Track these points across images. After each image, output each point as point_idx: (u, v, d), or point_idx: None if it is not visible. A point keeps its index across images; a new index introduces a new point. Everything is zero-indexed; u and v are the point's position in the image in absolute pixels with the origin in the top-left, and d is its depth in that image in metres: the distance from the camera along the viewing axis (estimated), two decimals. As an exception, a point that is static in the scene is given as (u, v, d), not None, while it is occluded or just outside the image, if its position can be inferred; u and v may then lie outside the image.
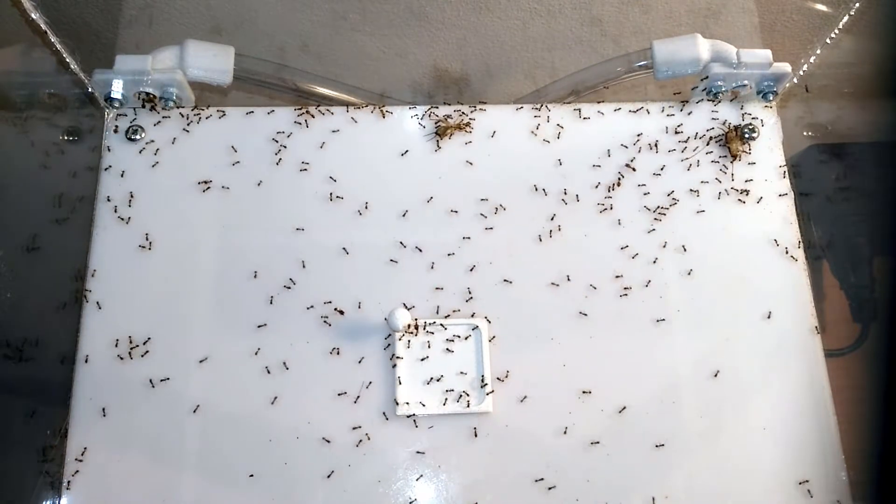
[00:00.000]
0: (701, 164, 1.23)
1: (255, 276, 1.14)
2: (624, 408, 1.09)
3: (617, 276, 1.16)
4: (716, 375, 1.11)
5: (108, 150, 1.20)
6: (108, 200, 1.17)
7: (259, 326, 1.11)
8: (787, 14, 1.49)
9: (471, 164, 1.22)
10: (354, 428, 1.07)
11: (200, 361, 1.09)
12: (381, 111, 1.25)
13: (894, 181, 1.18)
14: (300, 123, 1.23)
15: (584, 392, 1.09)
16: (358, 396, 1.08)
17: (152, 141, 1.21)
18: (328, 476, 1.04)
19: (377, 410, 1.08)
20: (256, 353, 1.10)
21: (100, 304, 1.11)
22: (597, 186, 1.21)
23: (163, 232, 1.16)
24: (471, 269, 1.16)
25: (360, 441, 1.06)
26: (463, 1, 1.42)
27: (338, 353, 1.10)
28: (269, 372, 1.09)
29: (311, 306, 1.12)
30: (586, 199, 1.20)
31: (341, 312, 1.12)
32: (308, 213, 1.18)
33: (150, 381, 1.07)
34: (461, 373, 1.10)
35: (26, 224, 1.36)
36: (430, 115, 1.25)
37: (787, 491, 1.06)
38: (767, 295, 1.16)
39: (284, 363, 1.09)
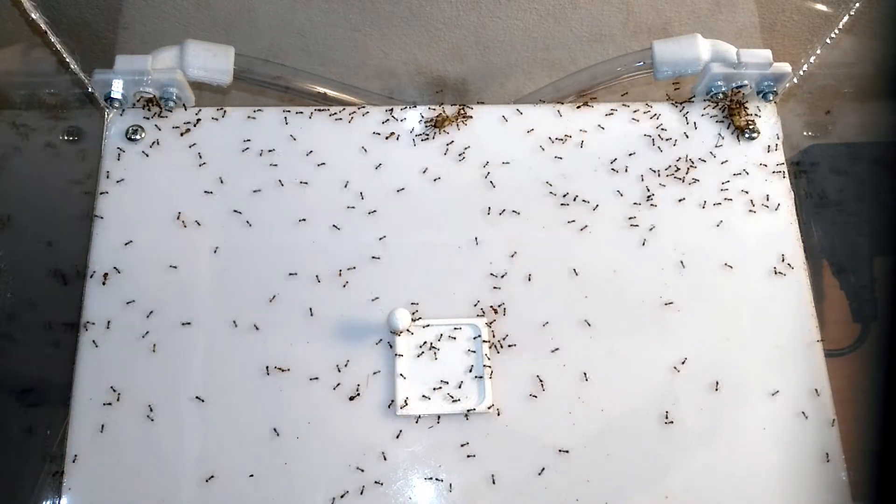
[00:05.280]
0: (700, 165, 1.23)
1: (255, 276, 1.14)
2: (624, 408, 1.09)
3: (617, 277, 1.16)
4: (716, 376, 1.11)
5: (108, 150, 1.20)
6: (109, 200, 1.17)
7: (259, 326, 1.11)
8: (787, 14, 1.49)
9: (471, 164, 1.22)
10: (354, 428, 1.07)
11: (200, 361, 1.09)
12: (381, 111, 1.25)
13: (894, 181, 1.18)
14: (299, 124, 1.23)
15: (584, 392, 1.09)
16: (358, 396, 1.08)
17: (153, 141, 1.21)
18: (328, 476, 1.04)
19: (377, 410, 1.08)
20: (256, 353, 1.10)
21: (99, 303, 1.11)
22: (597, 187, 1.21)
23: (163, 231, 1.16)
24: (471, 270, 1.16)
25: (360, 441, 1.06)
26: (463, 1, 1.42)
27: (338, 354, 1.10)
28: (268, 372, 1.09)
29: (312, 306, 1.12)
30: (586, 200, 1.20)
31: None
32: (308, 213, 1.18)
33: (150, 380, 1.07)
34: (461, 373, 1.10)
35: (26, 224, 1.36)
36: (429, 115, 1.25)
37: (787, 491, 1.06)
38: (767, 295, 1.16)
39: (284, 363, 1.09)
